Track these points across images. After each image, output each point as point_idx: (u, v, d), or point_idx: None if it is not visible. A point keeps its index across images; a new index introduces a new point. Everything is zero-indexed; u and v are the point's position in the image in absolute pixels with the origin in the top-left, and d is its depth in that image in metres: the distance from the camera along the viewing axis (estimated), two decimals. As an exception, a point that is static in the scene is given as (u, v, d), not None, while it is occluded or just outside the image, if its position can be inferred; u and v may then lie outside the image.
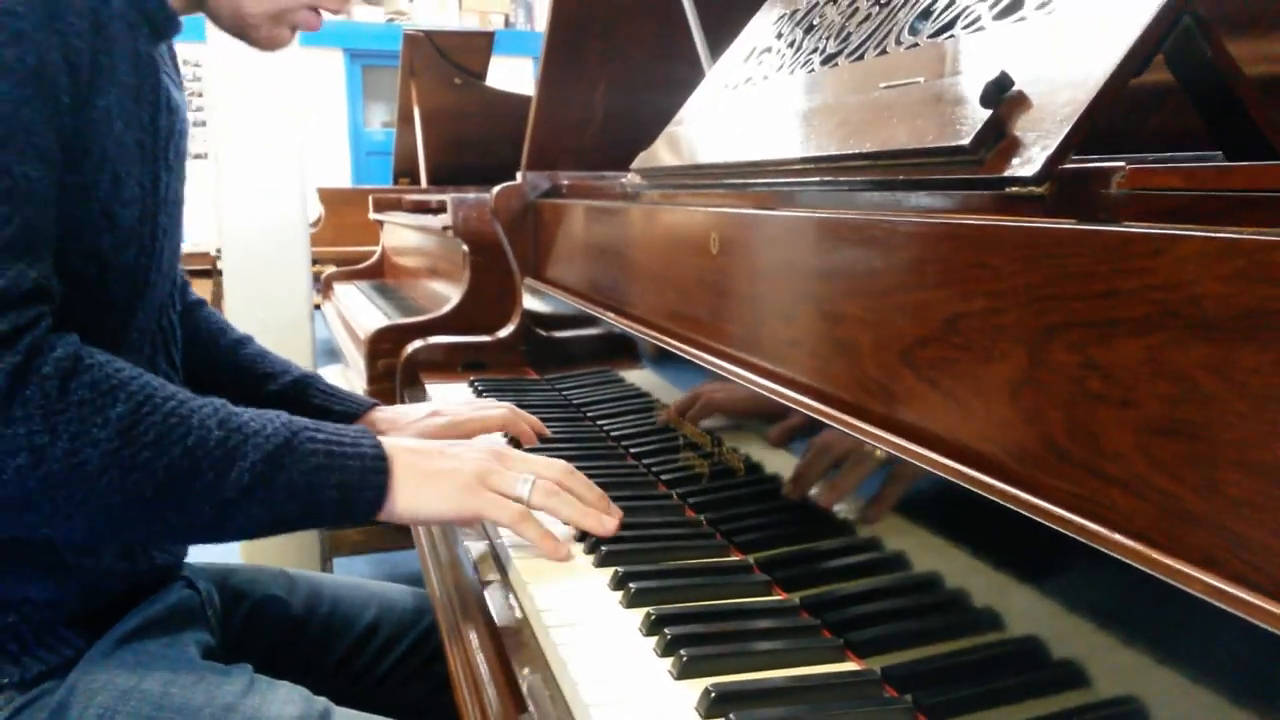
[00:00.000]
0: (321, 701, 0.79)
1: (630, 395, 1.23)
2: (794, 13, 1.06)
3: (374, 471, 0.76)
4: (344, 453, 0.76)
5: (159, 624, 0.81)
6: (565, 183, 1.60)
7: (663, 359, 1.08)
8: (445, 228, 2.13)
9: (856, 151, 0.67)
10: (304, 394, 1.05)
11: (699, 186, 0.96)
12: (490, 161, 4.34)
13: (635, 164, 1.15)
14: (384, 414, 1.07)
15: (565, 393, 1.44)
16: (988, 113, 0.56)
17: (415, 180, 4.58)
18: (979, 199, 0.57)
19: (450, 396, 1.46)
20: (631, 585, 0.73)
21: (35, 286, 0.67)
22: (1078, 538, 0.45)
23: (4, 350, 0.64)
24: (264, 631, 0.96)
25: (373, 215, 3.43)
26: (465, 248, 2.02)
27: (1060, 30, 0.59)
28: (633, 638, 0.67)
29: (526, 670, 0.66)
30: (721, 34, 1.75)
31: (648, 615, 0.68)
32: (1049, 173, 0.52)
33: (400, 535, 2.53)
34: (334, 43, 9.41)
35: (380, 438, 0.79)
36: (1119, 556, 0.43)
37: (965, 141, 0.56)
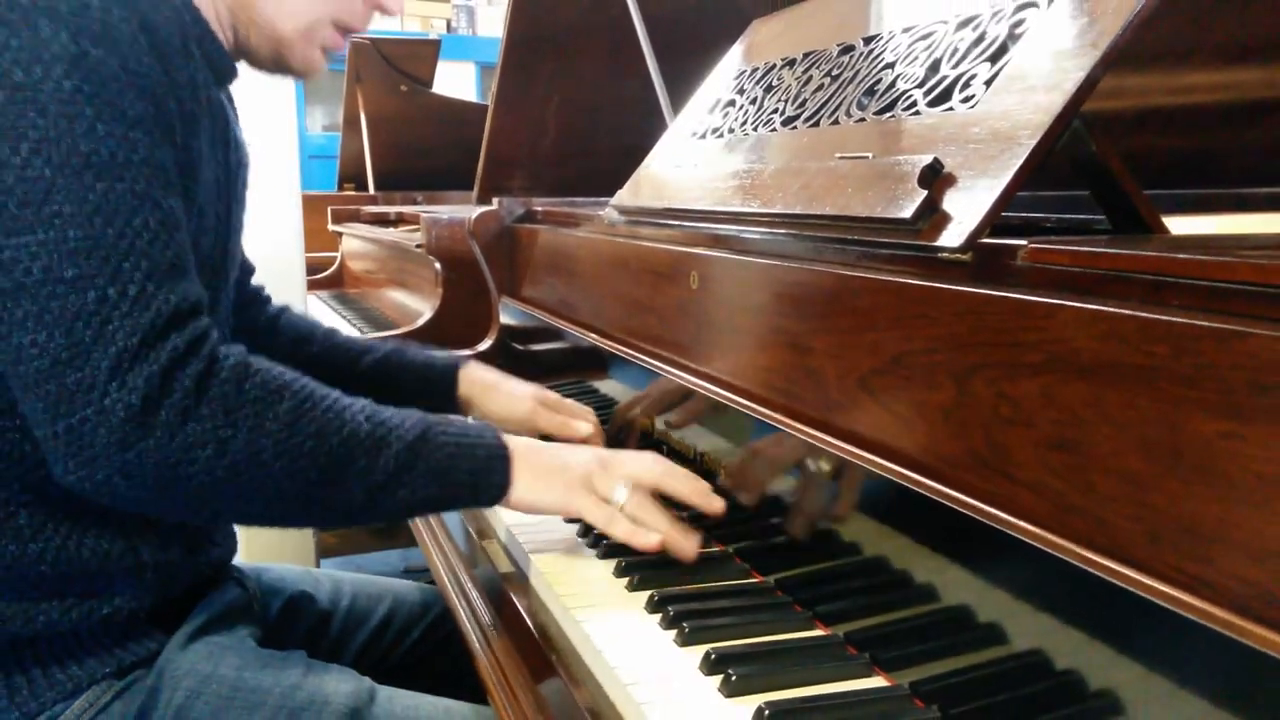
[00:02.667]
0: (366, 680, 0.92)
1: (607, 405, 1.37)
2: (754, 70, 1.21)
3: (500, 459, 0.87)
4: (472, 443, 0.86)
5: (220, 619, 0.93)
6: (539, 209, 1.73)
7: (637, 374, 1.22)
8: (418, 245, 2.25)
9: (820, 213, 0.82)
10: (403, 356, 1.20)
11: (678, 228, 1.10)
12: (437, 167, 4.45)
13: (615, 201, 1.29)
14: (489, 373, 1.22)
15: (545, 403, 1.58)
16: (924, 192, 0.71)
17: (361, 186, 4.67)
18: (918, 260, 0.72)
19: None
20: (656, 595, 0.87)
21: (198, 300, 0.78)
22: (996, 526, 0.60)
23: (190, 358, 0.75)
24: (298, 623, 1.09)
25: (332, 227, 3.52)
26: (438, 265, 2.14)
27: (980, 122, 0.74)
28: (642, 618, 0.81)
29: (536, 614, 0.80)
30: (671, 52, 1.90)
31: (651, 597, 0.82)
32: (971, 244, 0.67)
33: (379, 540, 2.65)
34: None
35: (504, 436, 0.90)
36: (1025, 539, 0.58)
37: (907, 215, 0.71)
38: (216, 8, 0.91)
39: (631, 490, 0.90)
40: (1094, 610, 0.55)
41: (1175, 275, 0.53)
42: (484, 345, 1.80)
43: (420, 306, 2.40)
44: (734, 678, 0.69)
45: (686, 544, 0.88)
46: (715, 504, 0.91)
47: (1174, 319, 0.50)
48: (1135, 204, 0.72)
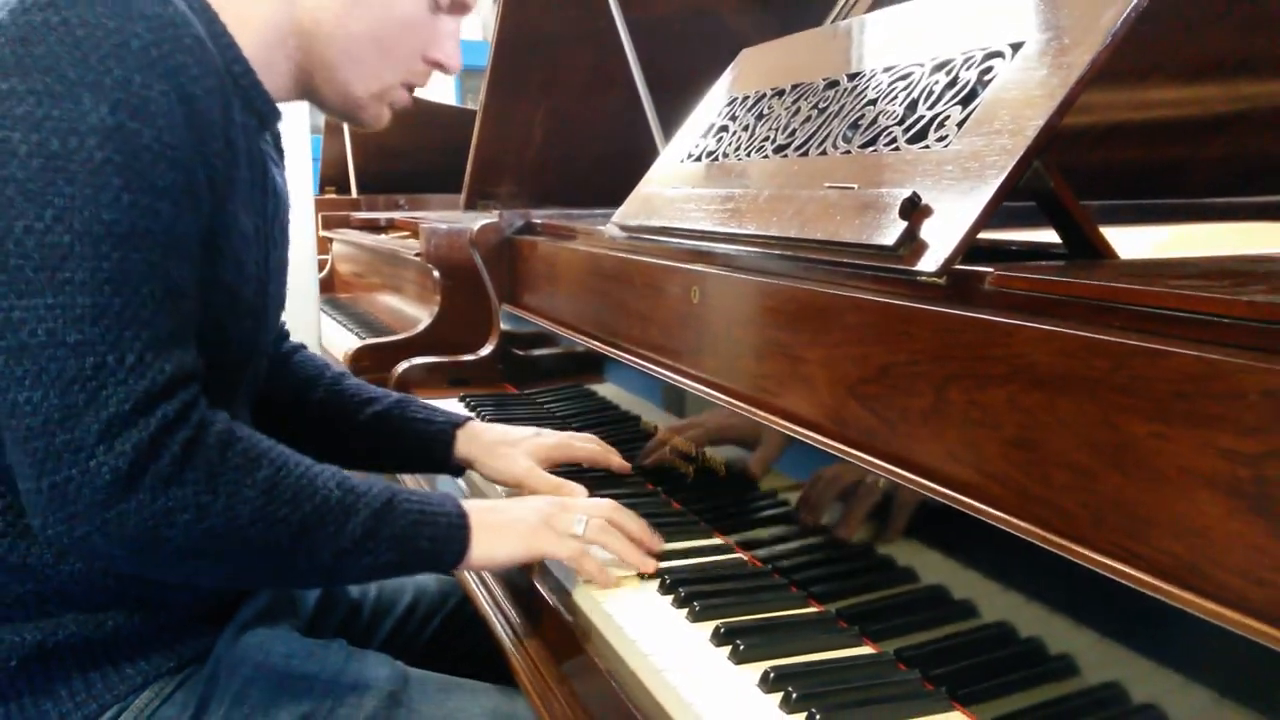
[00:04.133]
0: (400, 665, 1.01)
1: (605, 408, 1.47)
2: (745, 98, 1.31)
3: (458, 527, 0.93)
4: (433, 512, 0.92)
5: (265, 614, 1.01)
6: (538, 221, 1.82)
7: (631, 378, 1.32)
8: (416, 254, 2.34)
9: (812, 238, 0.92)
10: (405, 410, 1.22)
11: (680, 246, 1.20)
12: (419, 170, 4.53)
13: (616, 218, 1.38)
14: (487, 430, 1.24)
15: (546, 405, 1.68)
16: (904, 223, 0.82)
17: (343, 189, 4.74)
18: (899, 282, 0.82)
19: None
20: (683, 590, 0.97)
21: (192, 368, 0.82)
22: (968, 513, 0.71)
23: (180, 425, 0.79)
24: (332, 613, 1.18)
25: (323, 233, 3.60)
26: (437, 273, 2.23)
27: (953, 161, 0.84)
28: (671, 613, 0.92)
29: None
30: (655, 66, 1.99)
31: (677, 593, 0.92)
32: (945, 269, 0.77)
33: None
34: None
35: (462, 501, 0.95)
36: (992, 523, 0.68)
37: (890, 242, 0.82)
38: (287, 56, 0.96)
39: (589, 520, 0.97)
40: (1051, 584, 0.66)
41: (1115, 301, 0.64)
42: (485, 350, 1.90)
43: (415, 312, 2.49)
44: (742, 647, 0.80)
45: (645, 564, 0.96)
46: (649, 562, 0.97)
47: (1113, 339, 0.61)
48: (1087, 232, 0.83)
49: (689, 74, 1.74)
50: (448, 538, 0.92)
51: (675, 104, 1.96)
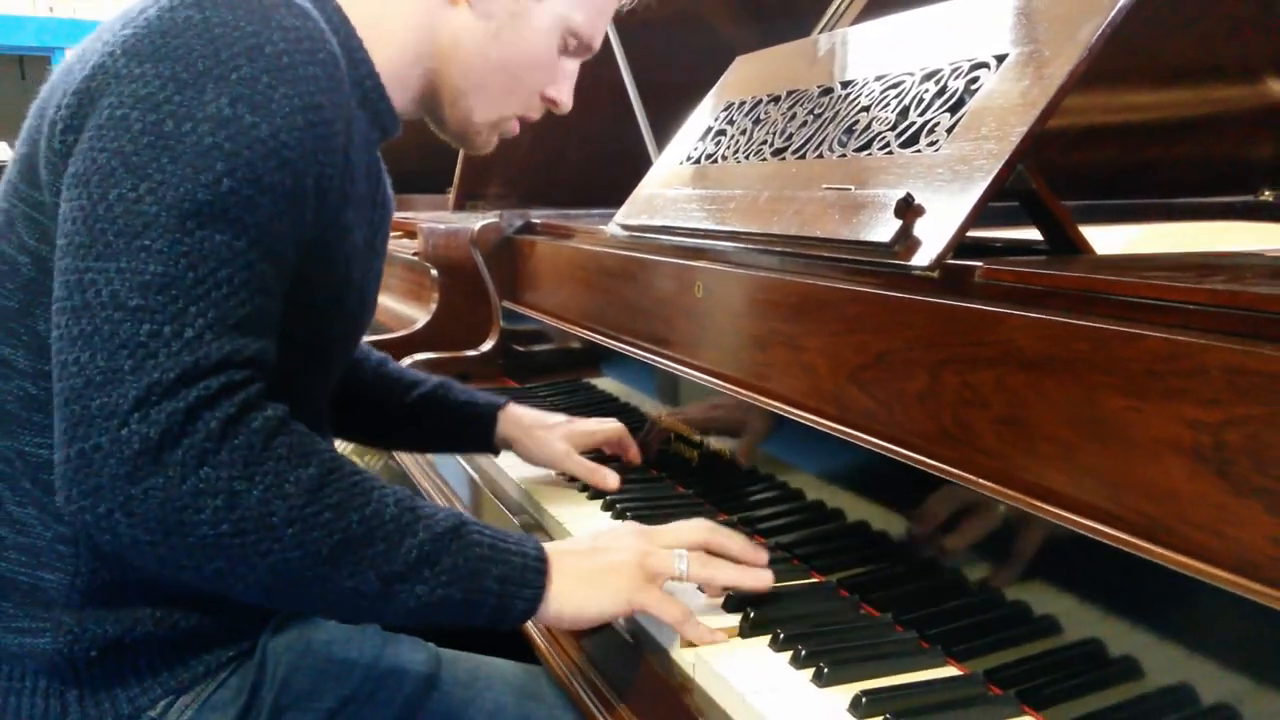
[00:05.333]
0: (432, 647, 1.06)
1: (605, 400, 1.53)
2: (741, 104, 1.38)
3: (534, 571, 0.83)
4: (507, 548, 0.83)
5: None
6: (538, 221, 1.89)
7: (629, 370, 1.39)
8: (414, 254, 2.40)
9: (813, 235, 0.99)
10: (448, 393, 1.28)
11: (682, 245, 1.27)
12: (401, 168, 4.56)
13: (618, 217, 1.45)
14: (526, 414, 1.29)
15: (549, 399, 1.74)
16: (899, 221, 0.89)
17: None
18: (895, 276, 0.89)
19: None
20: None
21: (252, 357, 0.79)
22: (961, 484, 0.78)
23: (221, 400, 0.75)
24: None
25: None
26: (434, 272, 2.29)
27: (944, 164, 0.91)
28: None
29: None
30: (645, 70, 2.06)
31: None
32: (938, 264, 0.84)
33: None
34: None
35: (544, 544, 0.86)
36: (983, 492, 0.76)
37: (886, 240, 0.89)
38: (420, 75, 1.01)
39: (690, 556, 0.89)
40: (1039, 547, 0.73)
41: (1093, 291, 0.71)
42: (486, 346, 1.96)
43: (410, 311, 2.54)
44: (752, 614, 0.86)
45: (761, 581, 0.90)
46: (765, 577, 0.91)
47: (1093, 324, 0.68)
48: (1067, 230, 0.90)
49: (677, 78, 1.81)
50: (520, 581, 0.83)
51: (663, 107, 2.03)
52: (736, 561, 0.91)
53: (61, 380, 0.74)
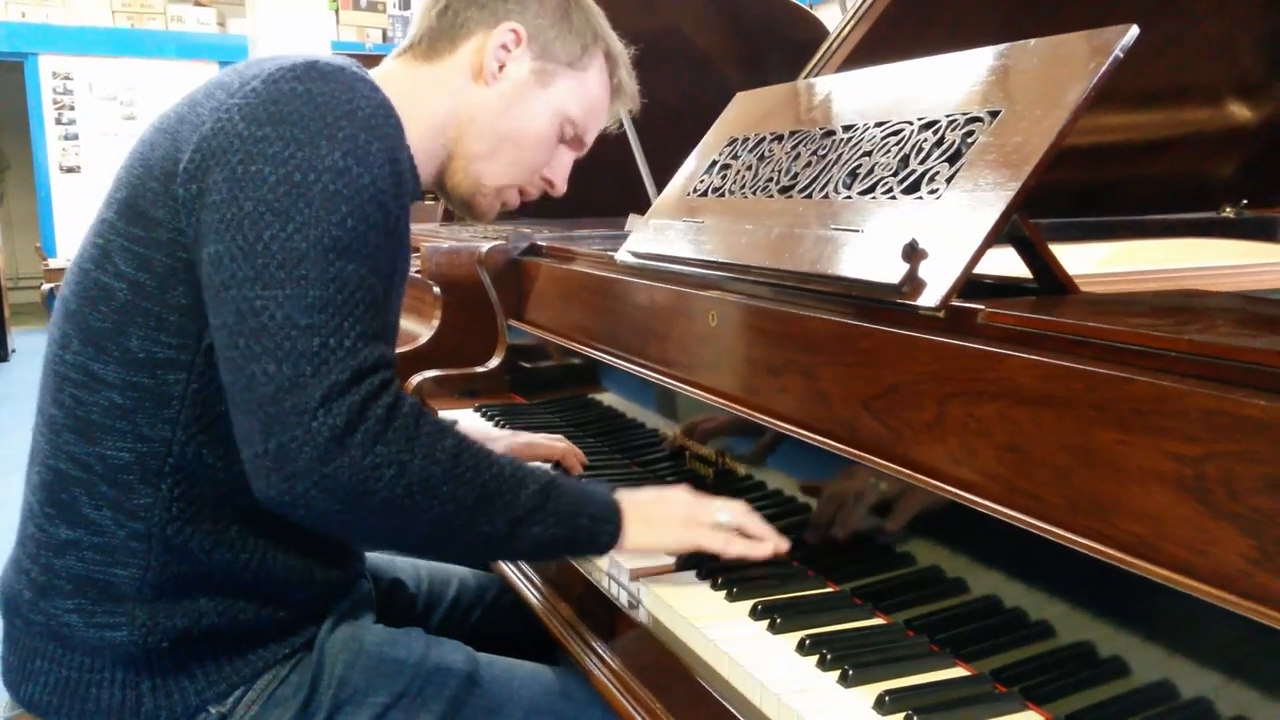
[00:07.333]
0: (469, 649, 1.16)
1: (612, 416, 1.62)
2: (745, 140, 1.47)
3: (613, 510, 1.05)
4: (590, 493, 1.04)
5: (352, 609, 1.17)
6: (542, 243, 1.98)
7: (633, 387, 1.49)
8: (416, 271, 2.47)
9: (826, 273, 1.08)
10: None
11: (695, 276, 1.36)
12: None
13: (627, 245, 1.54)
14: (473, 429, 1.45)
15: (556, 415, 1.83)
16: (907, 265, 0.98)
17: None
18: (904, 315, 0.99)
19: (463, 422, 1.83)
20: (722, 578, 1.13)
21: (390, 358, 0.96)
22: (966, 504, 0.87)
23: (382, 393, 0.91)
24: (395, 604, 1.33)
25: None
26: (437, 289, 2.37)
27: (945, 212, 1.01)
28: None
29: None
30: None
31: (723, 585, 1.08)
32: (943, 305, 0.94)
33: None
34: (211, 56, 9.42)
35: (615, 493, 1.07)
36: (986, 512, 0.85)
37: (895, 281, 0.98)
38: (443, 145, 1.18)
39: (730, 510, 1.10)
40: (1037, 561, 0.83)
41: (1087, 336, 0.80)
42: (493, 363, 2.04)
43: (413, 327, 2.61)
44: (778, 621, 0.96)
45: (781, 543, 1.10)
46: (783, 545, 1.10)
47: (1086, 367, 0.78)
48: (1055, 271, 1.00)
49: (660, 95, 1.90)
50: (605, 518, 1.04)
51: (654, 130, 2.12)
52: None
53: (250, 390, 0.89)
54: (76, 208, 9.25)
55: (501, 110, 1.18)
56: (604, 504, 1.05)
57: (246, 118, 0.94)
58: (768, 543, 1.09)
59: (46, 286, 9.26)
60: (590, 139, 1.28)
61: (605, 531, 1.05)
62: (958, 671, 0.89)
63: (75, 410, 1.01)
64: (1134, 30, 0.96)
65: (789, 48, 2.63)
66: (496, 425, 1.78)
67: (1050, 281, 1.01)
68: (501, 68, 1.18)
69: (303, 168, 0.92)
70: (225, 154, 0.93)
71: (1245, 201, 2.17)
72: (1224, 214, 2.18)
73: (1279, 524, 0.64)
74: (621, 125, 1.42)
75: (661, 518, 1.09)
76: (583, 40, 1.22)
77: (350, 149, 0.94)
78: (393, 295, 1.07)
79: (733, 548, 1.08)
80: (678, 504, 1.11)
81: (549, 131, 1.22)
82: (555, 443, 1.47)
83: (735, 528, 1.10)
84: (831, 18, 3.59)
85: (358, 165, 0.94)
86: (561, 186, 1.27)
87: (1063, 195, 2.13)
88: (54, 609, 1.02)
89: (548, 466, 1.46)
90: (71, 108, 9.16)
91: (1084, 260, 1.55)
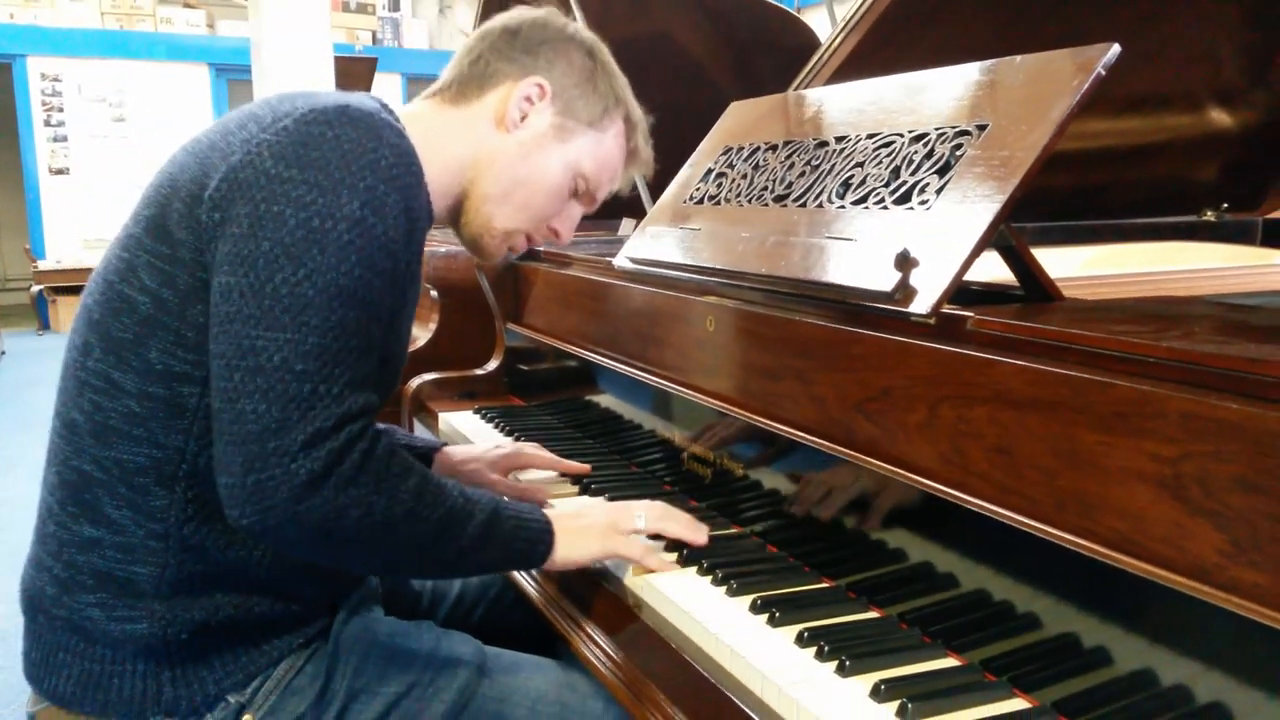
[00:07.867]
0: (478, 642, 1.20)
1: (609, 417, 1.66)
2: (740, 149, 1.51)
3: (545, 532, 1.12)
4: (527, 519, 1.11)
5: (364, 600, 1.21)
6: (540, 249, 2.01)
7: (628, 389, 1.52)
8: (413, 274, 2.51)
9: (821, 280, 1.12)
10: (392, 436, 1.40)
11: (692, 281, 1.40)
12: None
13: (625, 251, 1.58)
14: (457, 450, 1.52)
15: (555, 417, 1.86)
16: (899, 273, 1.02)
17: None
18: (896, 321, 1.03)
19: (463, 423, 1.87)
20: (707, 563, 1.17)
21: (373, 405, 1.00)
22: (957, 504, 0.91)
23: (360, 441, 0.96)
24: (401, 599, 1.37)
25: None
26: (435, 293, 2.41)
27: (935, 223, 1.05)
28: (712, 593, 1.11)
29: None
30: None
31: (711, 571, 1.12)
32: (934, 311, 0.98)
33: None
34: (200, 58, 9.43)
35: (545, 511, 1.15)
36: (976, 510, 0.89)
37: (888, 289, 1.02)
38: (460, 184, 1.22)
39: (646, 513, 1.19)
40: (1025, 557, 0.87)
41: (1070, 343, 0.85)
42: (492, 365, 2.08)
43: (411, 330, 2.66)
44: (777, 614, 1.00)
45: (699, 537, 1.19)
46: (702, 537, 1.19)
47: (1071, 372, 0.82)
48: (1040, 279, 1.04)
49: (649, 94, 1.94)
50: (538, 540, 1.12)
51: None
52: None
53: (237, 424, 0.94)
54: (65, 210, 9.26)
55: (519, 157, 1.23)
56: (538, 528, 1.13)
57: (275, 156, 0.98)
58: (690, 531, 1.18)
59: (35, 288, 9.32)
60: (601, 196, 1.33)
61: (538, 552, 1.13)
62: (949, 661, 0.93)
63: (94, 415, 1.04)
64: (1115, 49, 1.00)
65: (779, 53, 2.67)
66: (496, 427, 1.82)
67: (1035, 288, 1.05)
68: (524, 118, 1.23)
69: (322, 214, 0.96)
70: (250, 189, 0.97)
71: (1226, 205, 2.22)
72: (1205, 218, 2.23)
73: (1251, 520, 0.69)
74: (635, 188, 1.47)
75: (583, 530, 1.16)
76: (605, 103, 1.28)
77: (369, 199, 0.99)
78: (400, 326, 1.12)
79: (650, 559, 1.16)
80: (597, 515, 1.18)
81: (562, 183, 1.26)
82: (538, 452, 1.52)
83: (654, 531, 1.19)
84: (818, 22, 3.64)
85: (373, 215, 0.99)
86: (567, 238, 1.33)
87: (1049, 199, 2.18)
88: (76, 603, 1.05)
89: (542, 475, 1.52)
90: (60, 109, 9.17)
91: (1069, 263, 1.59)
